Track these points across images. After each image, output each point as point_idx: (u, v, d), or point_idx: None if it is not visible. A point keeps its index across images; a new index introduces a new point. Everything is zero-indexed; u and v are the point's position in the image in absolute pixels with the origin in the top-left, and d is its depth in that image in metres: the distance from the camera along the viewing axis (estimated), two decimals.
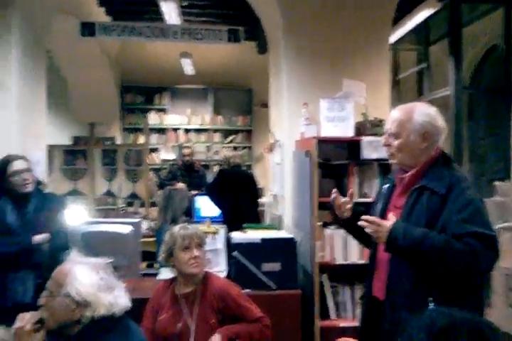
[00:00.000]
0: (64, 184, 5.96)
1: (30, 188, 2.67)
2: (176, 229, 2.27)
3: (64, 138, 7.05)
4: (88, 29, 4.20)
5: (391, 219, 1.71)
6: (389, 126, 1.84)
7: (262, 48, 6.30)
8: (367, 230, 1.70)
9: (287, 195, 3.60)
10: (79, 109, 7.42)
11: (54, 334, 1.57)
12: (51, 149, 5.70)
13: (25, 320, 1.54)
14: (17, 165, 2.65)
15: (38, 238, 2.63)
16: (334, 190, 1.95)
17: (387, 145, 1.84)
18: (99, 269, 1.58)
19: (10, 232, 2.60)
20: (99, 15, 6.22)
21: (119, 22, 4.41)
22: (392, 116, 1.84)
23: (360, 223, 1.71)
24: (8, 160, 2.66)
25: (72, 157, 6.26)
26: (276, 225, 3.71)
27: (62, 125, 7.64)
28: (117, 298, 1.56)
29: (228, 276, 2.86)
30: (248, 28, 6.07)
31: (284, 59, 3.68)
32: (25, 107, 3.69)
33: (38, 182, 2.81)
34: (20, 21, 3.60)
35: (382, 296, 1.80)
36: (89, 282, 1.53)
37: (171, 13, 5.24)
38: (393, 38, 5.22)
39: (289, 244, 2.97)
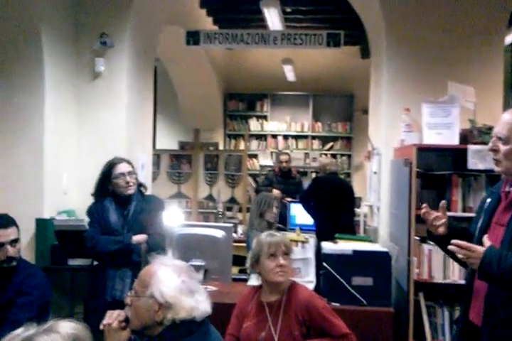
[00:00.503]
0: (169, 187, 6.27)
1: (132, 190, 2.82)
2: (263, 236, 2.25)
3: (173, 144, 7.46)
4: (193, 38, 4.38)
5: (485, 243, 1.53)
6: (499, 129, 1.65)
7: (365, 52, 6.13)
8: (458, 255, 1.54)
9: (384, 206, 3.44)
10: (186, 115, 7.80)
11: (138, 333, 1.63)
12: (159, 153, 6.05)
13: (112, 317, 1.61)
14: (121, 168, 2.81)
15: (137, 238, 2.77)
16: (424, 205, 1.78)
17: (494, 150, 1.65)
18: (182, 272, 1.61)
19: (112, 231, 2.78)
20: (207, 24, 6.50)
21: (222, 30, 4.55)
22: (504, 119, 1.65)
23: (450, 247, 1.55)
24: (113, 163, 2.84)
25: (177, 161, 6.57)
26: (371, 237, 3.55)
27: (172, 131, 8.10)
28: (198, 303, 1.57)
29: (317, 287, 2.79)
30: (351, 32, 5.95)
31: (385, 62, 3.54)
32: (133, 114, 3.95)
33: (140, 185, 2.96)
34: (132, 32, 3.86)
35: (479, 322, 1.62)
36: (172, 284, 1.56)
37: (273, 20, 5.31)
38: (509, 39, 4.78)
39: (383, 258, 2.82)
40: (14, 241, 2.30)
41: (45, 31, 3.41)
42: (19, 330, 1.04)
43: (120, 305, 1.85)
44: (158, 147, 6.97)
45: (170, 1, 4.48)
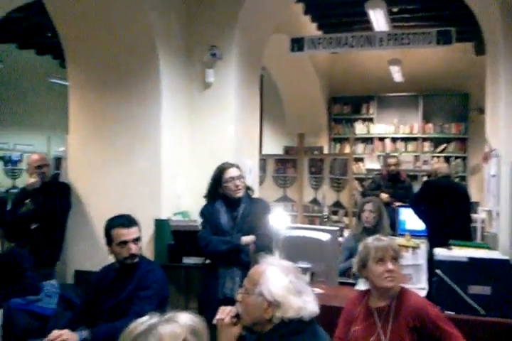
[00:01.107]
0: (275, 190, 6.38)
1: (241, 193, 2.95)
2: (370, 240, 2.22)
3: (278, 148, 7.60)
4: (297, 44, 4.45)
5: None
6: None
7: (480, 49, 5.74)
8: None
9: (503, 211, 3.19)
10: (291, 120, 7.91)
11: (248, 329, 1.70)
12: (265, 158, 6.19)
13: (225, 312, 1.69)
14: (231, 173, 2.96)
15: (246, 239, 2.88)
16: None
17: None
18: (289, 272, 1.65)
19: (222, 232, 2.92)
20: (311, 30, 6.55)
21: (326, 35, 4.55)
22: None
23: None
24: (223, 168, 3.00)
25: (283, 166, 6.67)
26: (490, 244, 3.31)
27: (277, 136, 8.26)
28: (306, 303, 1.60)
29: (429, 295, 2.67)
30: (463, 28, 5.62)
31: (503, 61, 3.30)
32: (241, 122, 4.10)
33: (248, 188, 3.08)
34: (239, 43, 4.03)
35: None
36: (280, 284, 1.61)
37: (379, 21, 5.20)
38: None
39: (503, 266, 2.61)
40: (136, 240, 2.51)
41: (161, 45, 3.68)
42: (144, 318, 1.14)
43: (231, 302, 1.94)
44: (264, 152, 7.13)
45: (275, 10, 4.59)
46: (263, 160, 5.97)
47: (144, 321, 1.13)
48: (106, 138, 3.75)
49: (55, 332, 2.19)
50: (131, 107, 3.71)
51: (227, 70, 3.96)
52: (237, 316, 1.68)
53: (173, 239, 3.49)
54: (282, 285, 1.61)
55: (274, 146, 7.93)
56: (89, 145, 3.81)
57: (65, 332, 2.22)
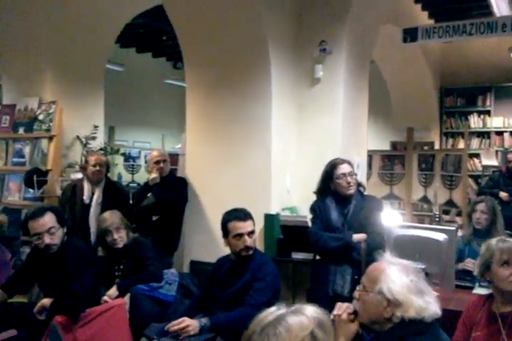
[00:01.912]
0: (381, 188, 6.22)
1: (352, 190, 2.93)
2: (494, 241, 2.09)
3: (383, 144, 7.38)
4: (410, 35, 4.28)
5: None
6: None
7: None
8: None
9: None
10: (399, 114, 7.63)
11: (366, 327, 1.69)
12: (371, 154, 6.05)
13: (342, 309, 1.71)
14: (343, 169, 2.94)
15: (357, 236, 2.85)
16: None
17: None
18: (410, 272, 1.62)
19: (332, 229, 2.92)
20: (422, 19, 6.25)
21: (441, 23, 4.32)
22: None
23: None
24: (335, 164, 2.99)
25: (389, 162, 6.47)
26: None
27: (383, 130, 8.01)
28: (428, 304, 1.56)
29: None
30: None
31: None
32: (349, 117, 4.05)
33: (359, 185, 3.05)
34: (349, 37, 3.97)
35: None
36: (401, 282, 1.58)
37: (499, 6, 4.82)
38: None
39: None
40: (251, 233, 2.60)
41: (272, 41, 3.76)
42: (272, 309, 1.19)
43: (341, 299, 1.95)
44: (369, 147, 6.97)
45: (385, 1, 4.45)
46: (369, 156, 5.84)
47: (272, 311, 1.17)
48: (219, 135, 3.93)
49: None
50: (243, 105, 3.84)
51: (336, 65, 3.93)
52: (355, 313, 1.69)
53: (282, 233, 3.56)
54: (403, 283, 1.58)
55: (379, 141, 7.71)
56: (204, 142, 4.01)
57: (186, 319, 2.38)
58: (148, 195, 3.88)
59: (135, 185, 7.08)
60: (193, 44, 4.04)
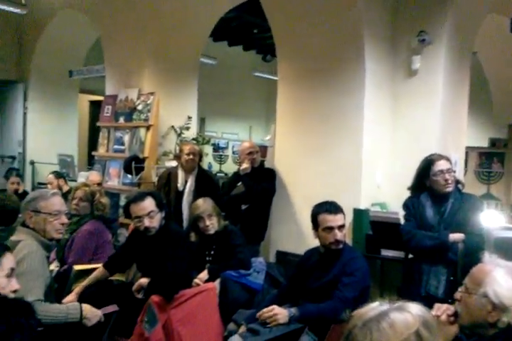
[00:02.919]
0: (477, 187, 5.88)
1: (450, 188, 2.78)
2: None
3: (480, 140, 6.95)
4: None
5: None
6: None
7: None
8: None
9: None
10: (500, 110, 7.13)
11: (466, 331, 1.61)
12: (467, 151, 5.72)
13: (441, 310, 1.64)
14: (440, 165, 2.80)
15: (454, 236, 2.70)
16: None
17: None
18: None
19: (427, 227, 2.80)
20: None
21: None
22: None
23: None
24: (432, 160, 2.85)
25: (487, 160, 6.11)
26: None
27: (481, 126, 7.53)
28: None
29: None
30: None
31: None
32: (447, 111, 3.85)
33: (458, 182, 2.89)
34: (451, 27, 3.76)
35: None
36: (508, 286, 1.49)
37: None
38: None
39: None
40: (341, 227, 2.57)
41: (367, 32, 3.66)
42: (374, 304, 1.16)
43: (434, 300, 1.86)
44: (465, 144, 6.60)
45: None
46: (465, 152, 5.53)
47: (374, 307, 1.14)
48: (310, 127, 3.91)
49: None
50: (335, 97, 3.79)
51: (436, 56, 3.74)
52: (455, 315, 1.61)
53: (372, 229, 3.48)
54: (510, 287, 1.48)
55: (476, 138, 7.26)
56: (294, 134, 4.02)
57: (276, 307, 2.41)
58: (238, 184, 3.98)
59: (222, 174, 7.30)
60: (287, 37, 4.05)
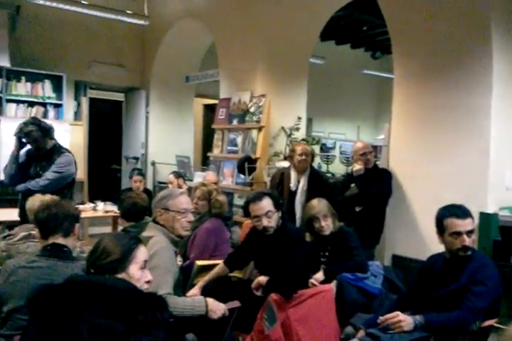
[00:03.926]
0: None
1: None
2: None
3: None
4: None
5: None
6: None
7: None
8: None
9: None
10: None
11: None
12: None
13: None
14: None
15: None
16: None
17: None
18: None
19: None
20: None
21: None
22: None
23: None
24: None
25: None
26: None
27: None
28: None
29: None
30: None
31: None
32: None
33: None
34: None
35: None
36: None
37: None
38: None
39: None
40: (470, 232, 2.41)
41: (496, 25, 3.39)
42: None
43: None
44: None
45: None
46: None
47: None
48: (429, 127, 3.73)
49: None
50: (457, 95, 3.56)
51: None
52: None
53: (501, 235, 3.22)
54: None
55: None
56: (411, 133, 3.85)
57: (400, 314, 2.33)
58: (352, 185, 3.91)
59: (329, 175, 7.24)
60: (404, 32, 3.90)
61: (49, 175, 3.73)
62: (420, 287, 2.61)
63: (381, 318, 2.33)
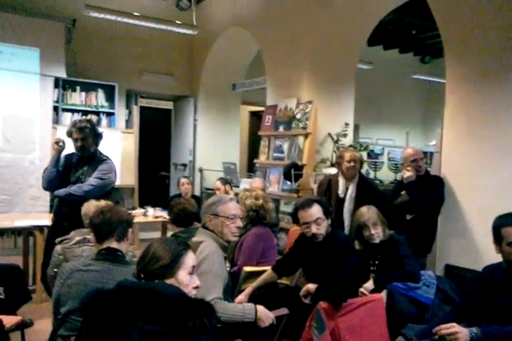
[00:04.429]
0: None
1: None
2: None
3: None
4: None
5: None
6: None
7: None
8: None
9: None
10: None
11: None
12: None
13: None
14: None
15: None
16: None
17: None
18: None
19: None
20: None
21: None
22: None
23: None
24: None
25: None
26: None
27: None
28: None
29: None
30: None
31: None
32: None
33: None
34: None
35: None
36: None
37: None
38: None
39: None
40: None
41: None
42: None
43: None
44: None
45: None
46: None
47: None
48: (483, 132, 3.58)
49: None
50: None
51: None
52: None
53: None
54: None
55: None
56: (465, 139, 3.72)
57: (456, 325, 2.24)
58: (402, 193, 3.82)
59: (377, 182, 7.10)
60: (457, 34, 3.78)
61: (93, 181, 3.68)
62: (476, 298, 2.51)
63: (436, 328, 2.25)
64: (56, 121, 6.50)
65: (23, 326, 2.93)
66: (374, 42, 8.24)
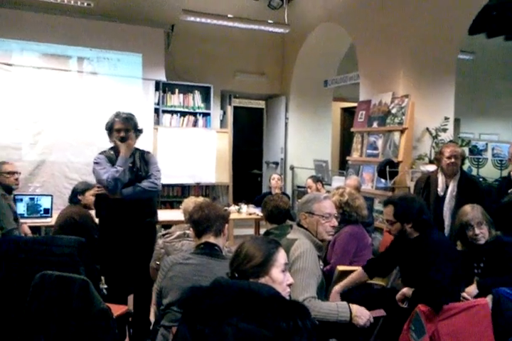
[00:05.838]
0: None
1: None
2: None
3: None
4: None
5: None
6: None
7: None
8: None
9: None
10: None
11: None
12: None
13: None
14: None
15: None
16: None
17: None
18: None
19: None
20: None
21: None
22: None
23: None
24: None
25: None
26: None
27: None
28: None
29: None
30: None
31: None
32: None
33: None
34: None
35: None
36: None
37: None
38: None
39: None
40: None
41: None
42: None
43: None
44: None
45: None
46: None
47: None
48: None
49: None
50: None
51: None
52: None
53: None
54: None
55: None
56: None
57: None
58: (509, 191, 3.55)
59: (481, 180, 6.64)
60: None
61: (156, 174, 3.44)
62: None
63: None
64: (157, 122, 6.87)
65: (128, 315, 3.10)
66: (476, 31, 7.70)
